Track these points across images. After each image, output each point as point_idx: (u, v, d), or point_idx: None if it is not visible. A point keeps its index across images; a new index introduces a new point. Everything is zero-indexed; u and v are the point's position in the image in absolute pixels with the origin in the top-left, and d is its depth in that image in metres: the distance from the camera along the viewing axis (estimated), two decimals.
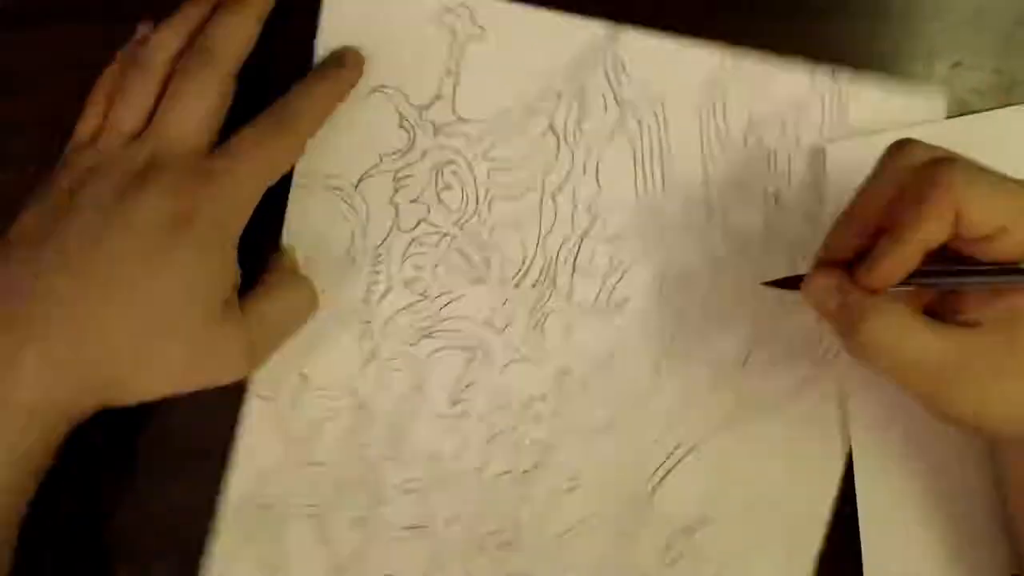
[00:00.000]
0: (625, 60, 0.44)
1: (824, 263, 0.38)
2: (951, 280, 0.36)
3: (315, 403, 0.45)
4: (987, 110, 0.45)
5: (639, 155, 0.45)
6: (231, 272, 0.40)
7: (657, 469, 0.45)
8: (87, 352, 0.38)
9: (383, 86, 0.45)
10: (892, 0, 0.45)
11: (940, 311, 0.37)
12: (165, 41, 0.42)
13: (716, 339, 0.45)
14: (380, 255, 0.45)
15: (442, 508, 0.45)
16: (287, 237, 0.45)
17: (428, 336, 0.45)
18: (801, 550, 0.45)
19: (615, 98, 0.45)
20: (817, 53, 0.45)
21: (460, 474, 0.45)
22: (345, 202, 0.45)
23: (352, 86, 0.45)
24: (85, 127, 0.43)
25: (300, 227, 0.45)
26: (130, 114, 0.41)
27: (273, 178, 0.41)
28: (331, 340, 0.45)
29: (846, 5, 0.45)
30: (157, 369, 0.39)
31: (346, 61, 0.44)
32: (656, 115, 0.45)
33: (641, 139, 0.45)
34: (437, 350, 0.45)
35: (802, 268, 0.43)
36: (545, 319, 0.45)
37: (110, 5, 0.46)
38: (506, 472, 0.45)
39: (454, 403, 0.45)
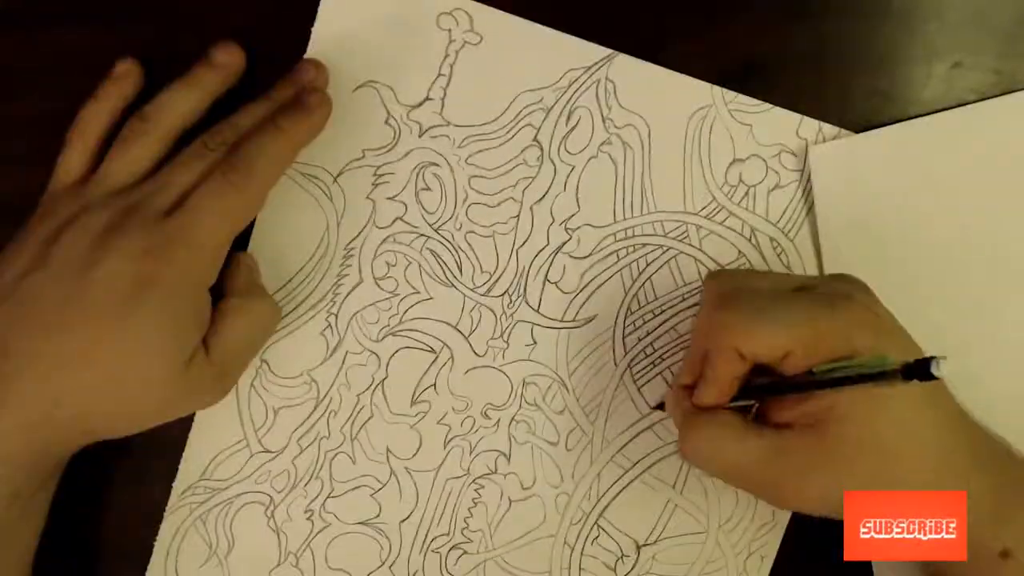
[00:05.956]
0: (617, 84, 0.45)
1: (681, 384, 0.42)
2: (762, 395, 0.40)
3: (274, 391, 0.45)
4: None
5: (620, 178, 0.45)
6: (202, 320, 0.40)
7: (611, 486, 0.46)
8: (61, 413, 0.38)
9: (373, 81, 0.44)
10: (892, 0, 0.45)
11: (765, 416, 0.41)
12: (176, 103, 0.42)
13: (677, 363, 0.46)
14: (353, 249, 0.45)
15: (394, 507, 0.46)
16: (259, 221, 0.45)
17: (393, 334, 0.46)
18: (755, 564, 0.47)
19: (603, 119, 0.45)
20: (817, 53, 0.45)
21: (414, 474, 0.46)
22: (323, 192, 0.45)
23: (314, 136, 0.42)
24: (67, 169, 0.42)
25: (275, 214, 0.45)
26: (126, 170, 0.41)
27: (236, 232, 0.41)
28: (295, 329, 0.45)
29: (846, 5, 0.45)
30: (132, 416, 0.40)
31: (309, 105, 0.42)
32: (642, 141, 0.45)
33: (624, 162, 0.45)
34: (400, 349, 0.46)
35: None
36: (512, 328, 0.46)
37: (110, 5, 0.45)
38: (460, 476, 0.46)
39: (413, 403, 0.46)
